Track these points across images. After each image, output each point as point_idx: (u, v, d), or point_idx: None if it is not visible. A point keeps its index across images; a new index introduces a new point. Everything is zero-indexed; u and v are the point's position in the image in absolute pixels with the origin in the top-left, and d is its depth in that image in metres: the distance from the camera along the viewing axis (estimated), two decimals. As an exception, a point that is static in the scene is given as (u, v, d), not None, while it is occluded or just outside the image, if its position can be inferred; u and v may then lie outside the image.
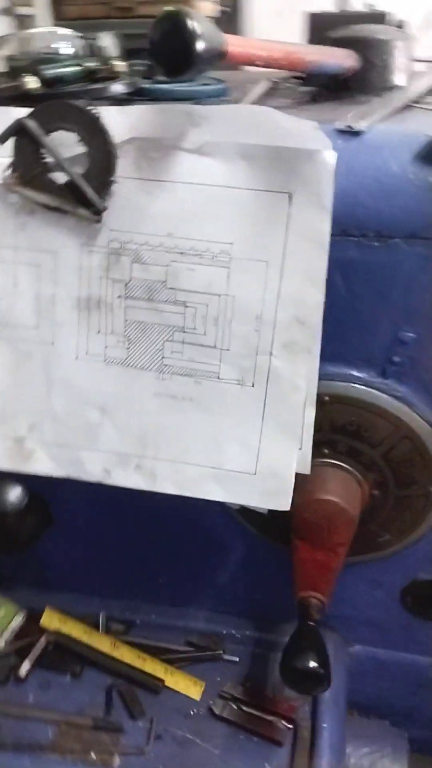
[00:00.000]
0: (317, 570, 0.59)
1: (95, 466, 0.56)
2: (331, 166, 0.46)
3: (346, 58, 0.60)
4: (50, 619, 0.78)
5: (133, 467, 0.56)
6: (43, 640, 0.76)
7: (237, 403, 0.54)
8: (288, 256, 0.50)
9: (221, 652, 0.75)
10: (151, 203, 0.51)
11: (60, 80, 0.60)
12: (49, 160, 0.51)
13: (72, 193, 0.51)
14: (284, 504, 0.54)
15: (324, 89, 0.66)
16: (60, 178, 0.51)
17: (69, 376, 0.56)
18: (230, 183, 0.49)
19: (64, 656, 0.76)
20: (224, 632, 0.77)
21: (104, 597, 0.80)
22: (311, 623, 0.59)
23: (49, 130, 0.50)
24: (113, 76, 0.64)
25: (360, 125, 0.49)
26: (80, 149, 0.51)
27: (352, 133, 0.49)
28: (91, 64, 0.64)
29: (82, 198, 0.51)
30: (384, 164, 0.48)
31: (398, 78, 0.64)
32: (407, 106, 0.58)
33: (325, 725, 0.67)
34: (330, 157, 0.46)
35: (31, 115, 0.50)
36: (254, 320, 0.52)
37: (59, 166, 0.50)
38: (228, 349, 0.53)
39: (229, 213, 0.50)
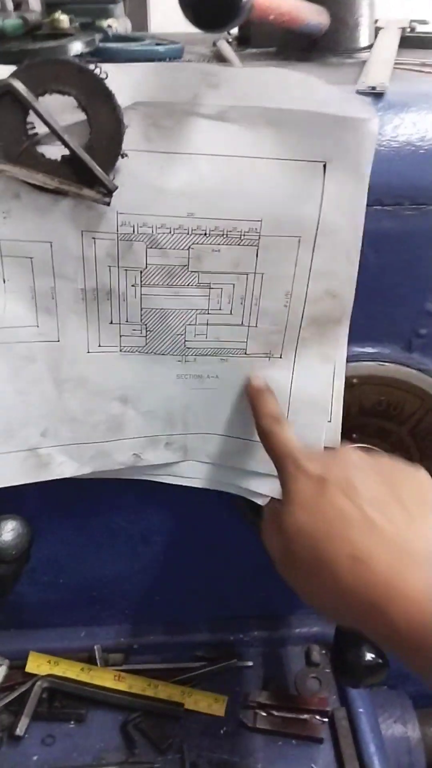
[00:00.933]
0: None
1: (124, 454, 0.54)
2: (374, 134, 0.44)
3: (319, 15, 0.57)
4: (37, 663, 0.69)
5: (162, 446, 0.55)
6: (36, 689, 0.67)
7: (264, 375, 0.52)
8: (321, 231, 0.47)
9: (234, 660, 0.71)
10: (166, 180, 0.45)
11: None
12: (40, 130, 0.43)
13: (73, 170, 0.43)
14: None
15: (289, 50, 0.62)
16: (55, 152, 0.43)
17: (82, 372, 0.50)
18: (257, 153, 0.45)
19: (63, 702, 0.68)
20: (232, 638, 0.73)
21: (93, 626, 0.72)
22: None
23: (37, 94, 0.42)
24: (60, 33, 0.56)
25: (382, 86, 0.46)
26: (79, 117, 0.43)
27: (375, 95, 0.46)
28: (29, 17, 0.55)
29: (87, 176, 0.43)
30: (416, 127, 0.46)
31: (364, 38, 0.62)
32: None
33: (360, 710, 0.66)
34: (374, 124, 0.43)
35: (16, 75, 0.41)
36: (284, 296, 0.49)
37: (56, 138, 0.42)
38: (255, 326, 0.51)
39: (257, 187, 0.45)
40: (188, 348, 0.51)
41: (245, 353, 0.52)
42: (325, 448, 0.53)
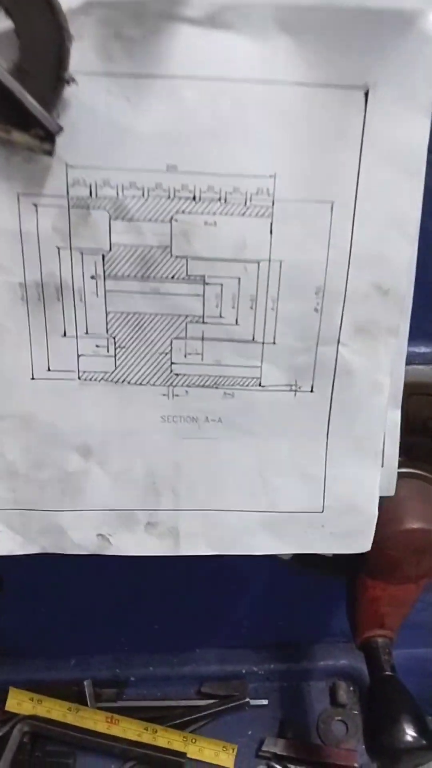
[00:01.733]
0: (390, 606, 0.47)
1: (84, 533, 0.39)
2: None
3: None
4: (18, 701, 0.60)
5: (142, 527, 0.38)
6: (16, 733, 0.58)
7: (289, 418, 0.38)
8: (363, 192, 0.33)
9: (246, 698, 0.61)
10: (135, 116, 0.31)
11: None
12: None
13: (-3, 105, 0.29)
14: (365, 544, 0.39)
15: None
16: (-29, 80, 0.29)
17: (24, 407, 0.36)
18: (268, 75, 0.30)
19: (48, 749, 0.58)
20: (243, 671, 0.63)
21: (84, 655, 0.63)
22: (387, 673, 0.45)
23: None
24: None
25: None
26: (2, 26, 0.29)
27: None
28: None
29: (18, 112, 0.29)
30: None
31: None
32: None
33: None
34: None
35: None
36: (313, 294, 0.35)
37: (-31, 58, 0.28)
38: (273, 342, 0.36)
39: (268, 125, 0.31)
40: (176, 375, 0.37)
41: (260, 384, 0.37)
42: (387, 502, 0.41)
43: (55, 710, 0.60)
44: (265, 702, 0.62)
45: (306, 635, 0.64)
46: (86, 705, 0.60)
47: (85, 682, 0.61)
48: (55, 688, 0.62)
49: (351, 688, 0.63)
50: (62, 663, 0.63)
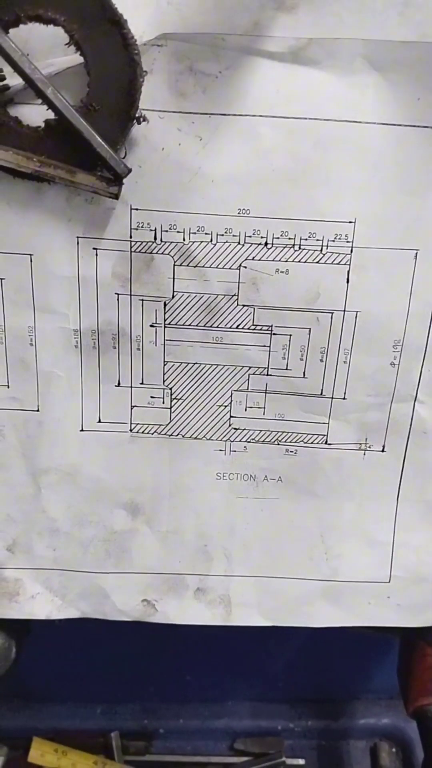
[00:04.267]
0: None
1: (128, 598, 0.36)
2: None
3: None
4: (41, 752, 0.57)
5: (192, 593, 0.35)
6: (38, 790, 0.54)
7: (357, 478, 0.35)
8: None
9: (282, 756, 0.57)
10: (207, 157, 0.28)
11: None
12: (12, 82, 0.27)
13: (63, 143, 0.27)
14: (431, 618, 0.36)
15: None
16: (35, 115, 0.27)
17: (71, 461, 0.34)
18: (354, 113, 0.28)
19: (72, 806, 0.55)
20: (279, 727, 0.59)
21: (111, 703, 0.59)
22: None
23: (7, 23, 0.26)
24: None
25: None
26: (71, 59, 0.27)
27: None
28: None
29: (84, 153, 0.27)
30: None
31: None
32: None
33: None
34: None
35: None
36: (390, 348, 0.32)
37: (36, 93, 0.26)
38: (343, 397, 0.33)
39: (351, 168, 0.29)
40: (235, 429, 0.34)
41: (326, 442, 0.34)
42: None
43: (81, 764, 0.56)
44: (301, 762, 0.58)
45: (346, 690, 0.61)
46: (113, 758, 0.57)
47: (112, 734, 0.58)
48: (79, 738, 0.59)
49: (393, 750, 0.59)
50: (88, 711, 0.60)
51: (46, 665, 0.58)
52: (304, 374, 0.33)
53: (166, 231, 0.30)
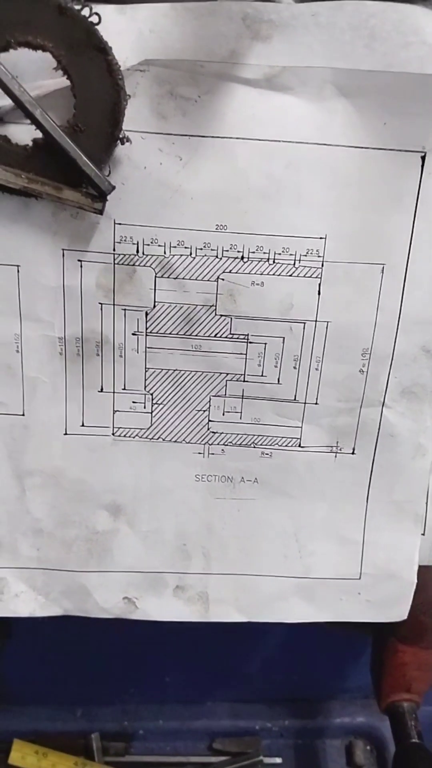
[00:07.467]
0: (419, 671, 0.44)
1: (109, 595, 0.38)
2: None
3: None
4: (23, 755, 0.57)
5: (171, 590, 0.36)
6: (19, 790, 0.55)
7: (329, 479, 0.36)
8: (416, 254, 0.32)
9: (260, 755, 0.59)
10: (187, 176, 0.30)
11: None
12: (2, 103, 0.28)
13: (49, 161, 0.29)
14: (402, 613, 0.38)
15: None
16: (23, 134, 0.29)
17: (55, 463, 0.35)
18: (323, 137, 0.30)
19: (52, 808, 0.55)
20: (257, 727, 0.60)
21: (90, 705, 0.60)
22: (414, 740, 0.43)
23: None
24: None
25: None
26: (58, 82, 0.28)
27: None
28: None
29: (70, 171, 0.29)
30: None
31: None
32: None
33: None
34: None
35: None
36: (359, 356, 0.34)
37: (24, 114, 0.27)
38: (315, 402, 0.35)
39: (321, 187, 0.31)
40: (213, 433, 0.36)
41: (299, 445, 0.36)
42: (420, 567, 0.39)
43: (61, 765, 0.57)
44: (279, 760, 0.59)
45: (322, 690, 0.62)
46: (93, 759, 0.58)
47: (92, 735, 0.58)
48: (60, 740, 0.59)
49: (368, 747, 0.61)
50: (68, 713, 0.61)
51: (27, 668, 0.59)
52: (278, 381, 0.34)
53: (148, 245, 0.31)
